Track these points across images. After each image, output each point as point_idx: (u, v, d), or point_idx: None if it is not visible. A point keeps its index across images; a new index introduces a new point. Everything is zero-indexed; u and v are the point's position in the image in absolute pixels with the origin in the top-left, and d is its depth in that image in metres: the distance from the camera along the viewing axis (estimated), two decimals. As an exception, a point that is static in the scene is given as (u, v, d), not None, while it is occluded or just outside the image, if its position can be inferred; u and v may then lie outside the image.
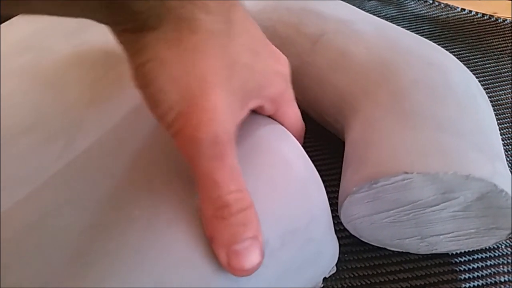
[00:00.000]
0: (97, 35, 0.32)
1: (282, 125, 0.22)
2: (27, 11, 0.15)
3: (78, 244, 0.20)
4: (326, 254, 0.22)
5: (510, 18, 0.45)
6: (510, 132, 0.33)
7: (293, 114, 0.23)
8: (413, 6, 0.48)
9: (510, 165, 0.30)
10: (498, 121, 0.33)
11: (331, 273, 0.23)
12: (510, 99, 0.35)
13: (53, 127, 0.29)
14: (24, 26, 0.36)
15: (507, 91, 0.36)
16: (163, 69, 0.16)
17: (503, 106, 0.35)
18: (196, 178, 0.18)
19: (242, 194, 0.17)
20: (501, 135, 0.32)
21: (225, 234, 0.17)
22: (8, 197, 0.25)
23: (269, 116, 0.22)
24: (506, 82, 0.37)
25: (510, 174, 0.22)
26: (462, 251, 0.25)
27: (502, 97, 0.36)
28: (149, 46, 0.16)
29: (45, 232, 0.21)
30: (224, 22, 0.17)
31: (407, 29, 0.44)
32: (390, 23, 0.28)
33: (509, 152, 0.31)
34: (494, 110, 0.33)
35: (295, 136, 0.22)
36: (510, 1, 0.47)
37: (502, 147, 0.24)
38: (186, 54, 0.16)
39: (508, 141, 0.32)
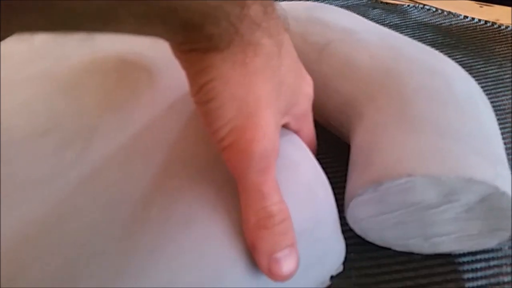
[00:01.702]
0: (112, 42, 0.33)
1: None
2: (108, 30, 0.16)
3: (94, 243, 0.20)
4: (333, 254, 0.23)
5: (513, 25, 0.45)
6: (512, 137, 0.33)
7: (309, 130, 0.24)
8: (417, 14, 0.49)
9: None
10: (500, 127, 0.34)
11: (338, 272, 0.24)
12: (512, 105, 0.36)
13: (69, 132, 0.30)
14: (40, 33, 0.37)
15: (509, 97, 0.37)
16: (226, 88, 0.18)
17: (505, 111, 0.36)
18: (241, 190, 0.19)
19: (283, 205, 0.19)
20: (503, 139, 0.33)
21: (267, 243, 0.18)
22: (26, 199, 0.26)
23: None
24: (508, 88, 0.38)
25: (511, 177, 0.23)
26: (466, 251, 0.25)
27: (504, 102, 0.36)
28: (215, 66, 0.17)
29: (62, 233, 0.22)
30: (276, 45, 0.19)
31: (411, 37, 0.45)
32: (394, 32, 0.29)
33: (511, 157, 0.32)
34: (496, 116, 0.34)
35: None
36: (512, 8, 0.48)
37: (504, 151, 0.24)
38: (249, 76, 0.18)
39: (510, 145, 0.33)
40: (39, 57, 0.34)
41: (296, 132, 0.23)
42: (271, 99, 0.19)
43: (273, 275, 0.18)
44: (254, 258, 0.19)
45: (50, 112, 0.30)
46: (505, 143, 0.33)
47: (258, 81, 0.18)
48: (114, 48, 0.32)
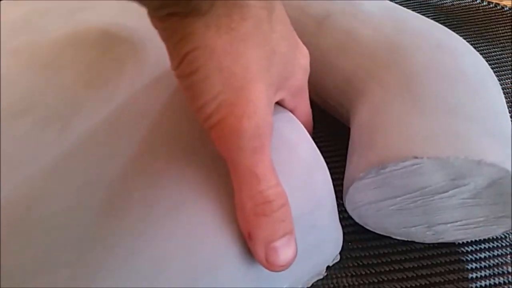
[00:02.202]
0: (94, 15, 0.31)
1: None
2: None
3: (70, 228, 0.19)
4: (330, 242, 0.22)
5: (516, 6, 0.44)
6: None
7: (305, 108, 0.22)
8: (418, -7, 0.47)
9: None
10: (505, 109, 0.32)
11: (335, 261, 0.23)
12: (516, 88, 0.35)
13: (49, 110, 0.28)
14: (19, 6, 0.35)
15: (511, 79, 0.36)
16: (211, 58, 0.15)
17: (508, 94, 0.34)
18: (233, 173, 0.17)
19: (280, 189, 0.17)
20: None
21: (265, 231, 0.16)
22: (6, 181, 0.24)
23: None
24: (511, 70, 0.36)
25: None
26: (469, 240, 0.24)
27: (508, 85, 0.35)
28: (197, 33, 0.15)
29: (44, 215, 0.20)
30: (266, 7, 0.16)
31: (412, 16, 0.43)
32: (398, 5, 0.27)
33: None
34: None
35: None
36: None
37: (512, 133, 0.23)
38: (236, 43, 0.16)
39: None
40: (17, 30, 0.31)
41: (291, 110, 0.21)
42: (261, 69, 0.16)
43: (270, 264, 0.17)
44: (249, 246, 0.17)
45: (29, 88, 0.28)
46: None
47: (247, 49, 0.16)
48: (97, 20, 0.30)
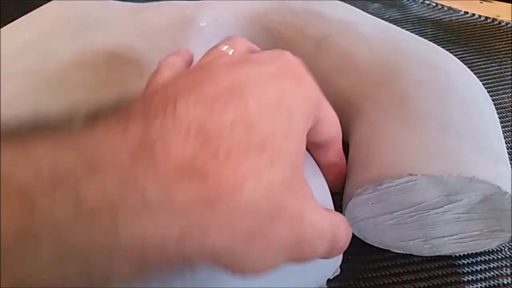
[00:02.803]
0: (100, 37, 0.32)
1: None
2: None
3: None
4: (330, 256, 0.22)
5: (513, 21, 0.45)
6: (513, 135, 0.33)
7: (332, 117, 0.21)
8: (416, 9, 0.48)
9: (513, 167, 0.30)
10: (502, 124, 0.33)
11: (335, 274, 0.23)
12: (513, 102, 0.35)
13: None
14: (27, 29, 0.36)
15: (510, 94, 0.36)
16: None
17: (506, 109, 0.35)
18: None
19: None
20: (504, 137, 0.32)
21: None
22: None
23: None
24: (509, 85, 0.37)
25: (513, 176, 0.22)
26: (465, 253, 0.25)
27: (505, 100, 0.36)
28: None
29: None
30: None
31: (411, 32, 0.44)
32: (394, 26, 0.28)
33: (512, 155, 0.31)
34: (498, 113, 0.33)
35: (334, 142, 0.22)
36: (513, 5, 0.47)
37: (505, 149, 0.24)
38: None
39: (511, 144, 0.32)
40: (26, 52, 0.33)
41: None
42: None
43: None
44: None
45: (37, 108, 0.29)
46: (506, 141, 0.32)
47: None
48: (103, 43, 0.31)
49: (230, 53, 0.20)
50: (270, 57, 0.18)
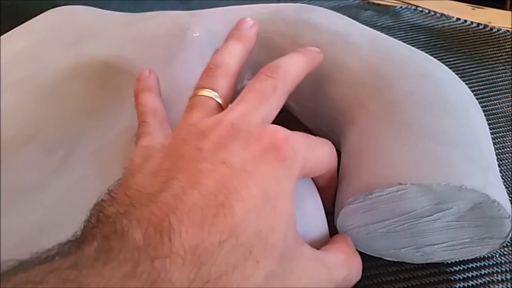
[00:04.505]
0: (94, 47, 0.33)
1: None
2: None
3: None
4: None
5: (505, 28, 0.45)
6: (505, 141, 0.33)
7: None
8: (409, 16, 0.49)
9: (504, 174, 0.31)
10: (493, 131, 0.33)
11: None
12: (505, 108, 0.36)
13: (52, 138, 0.29)
14: (22, 39, 0.36)
15: (502, 100, 0.37)
16: None
17: (497, 115, 0.35)
18: None
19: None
20: (495, 144, 0.32)
21: None
22: (8, 207, 0.25)
23: None
24: (501, 91, 0.38)
25: (502, 184, 0.22)
26: (457, 260, 0.25)
27: (497, 106, 0.36)
28: None
29: (41, 247, 0.21)
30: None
31: (403, 39, 0.45)
32: (385, 35, 0.29)
33: (504, 161, 0.32)
34: (489, 120, 0.34)
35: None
36: (505, 11, 0.48)
37: (495, 157, 0.24)
38: None
39: (503, 150, 0.32)
40: (21, 62, 0.33)
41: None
42: None
43: None
44: None
45: (32, 119, 0.29)
46: (497, 148, 0.32)
47: None
48: (97, 53, 0.32)
49: (217, 99, 0.22)
50: (256, 133, 0.19)
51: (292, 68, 0.23)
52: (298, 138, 0.20)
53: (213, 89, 0.22)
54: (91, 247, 0.14)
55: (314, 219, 0.22)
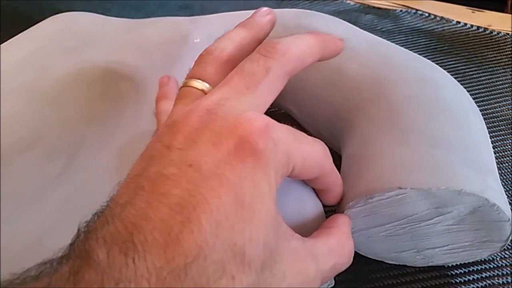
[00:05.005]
0: (95, 54, 0.33)
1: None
2: None
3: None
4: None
5: (505, 31, 0.45)
6: (505, 145, 0.33)
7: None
8: (409, 20, 0.49)
9: (505, 177, 0.31)
10: (493, 134, 0.34)
11: (330, 286, 0.23)
12: (505, 112, 0.36)
13: (54, 144, 0.30)
14: (24, 46, 0.37)
15: (502, 103, 0.37)
16: None
17: (498, 118, 0.35)
18: None
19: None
20: (496, 148, 0.33)
21: None
22: (9, 215, 0.25)
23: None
24: (501, 94, 0.38)
25: (502, 187, 0.23)
26: (458, 263, 0.25)
27: (497, 109, 0.36)
28: None
29: (42, 254, 0.21)
30: None
31: (403, 43, 0.45)
32: (384, 40, 0.29)
33: (504, 164, 0.32)
34: (489, 123, 0.34)
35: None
36: (505, 14, 0.48)
37: (494, 161, 0.24)
38: None
39: (503, 153, 0.33)
40: (23, 68, 0.33)
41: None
42: None
43: None
44: None
45: (34, 124, 0.29)
46: (497, 151, 0.32)
47: None
48: (99, 59, 0.32)
49: (206, 89, 0.19)
50: (231, 121, 0.17)
51: (296, 47, 0.19)
52: (281, 128, 0.17)
53: (200, 78, 0.20)
54: (66, 267, 0.14)
55: (315, 222, 0.22)
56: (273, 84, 0.19)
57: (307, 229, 0.20)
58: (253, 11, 0.30)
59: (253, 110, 0.17)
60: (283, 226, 0.18)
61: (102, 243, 0.14)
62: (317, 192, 0.23)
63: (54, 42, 0.36)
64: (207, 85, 0.20)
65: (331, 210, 0.24)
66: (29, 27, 0.40)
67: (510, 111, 0.36)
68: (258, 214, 0.16)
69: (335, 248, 0.19)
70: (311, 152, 0.19)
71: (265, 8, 0.23)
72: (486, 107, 0.36)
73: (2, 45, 0.37)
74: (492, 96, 0.38)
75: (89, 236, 0.14)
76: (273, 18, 0.23)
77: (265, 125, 0.17)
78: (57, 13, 0.41)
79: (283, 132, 0.17)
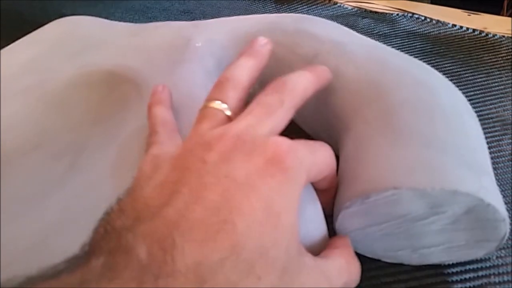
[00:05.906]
0: (98, 57, 0.33)
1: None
2: None
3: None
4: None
5: (501, 33, 0.46)
6: (501, 146, 0.34)
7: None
8: (406, 23, 0.49)
9: (501, 177, 0.31)
10: (489, 135, 0.34)
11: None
12: (501, 113, 0.36)
13: (58, 145, 0.30)
14: (28, 49, 0.37)
15: (498, 105, 0.37)
16: None
17: (493, 120, 0.36)
18: None
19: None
20: (491, 148, 0.33)
21: None
22: (14, 215, 0.26)
23: None
24: (497, 96, 0.38)
25: (497, 187, 0.23)
26: (455, 262, 0.26)
27: (492, 111, 0.37)
28: None
29: (50, 253, 0.22)
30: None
31: (400, 46, 0.46)
32: (381, 44, 0.30)
33: (500, 165, 0.32)
34: (485, 124, 0.35)
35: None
36: (500, 17, 0.48)
37: (489, 162, 0.25)
38: None
39: (499, 154, 0.33)
40: (27, 71, 0.34)
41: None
42: None
43: None
44: None
45: (39, 127, 0.30)
46: (493, 152, 0.33)
47: None
48: (102, 62, 0.33)
49: (226, 112, 0.22)
50: (260, 145, 0.19)
51: (299, 85, 0.23)
52: (302, 147, 0.20)
53: (222, 101, 0.23)
54: (98, 262, 0.15)
55: (314, 224, 0.22)
56: (286, 113, 0.22)
57: (313, 251, 0.21)
58: (253, 15, 0.31)
59: (273, 132, 0.21)
60: (300, 241, 0.19)
61: (141, 240, 0.15)
62: (318, 193, 0.23)
63: (58, 46, 0.36)
64: (225, 105, 0.23)
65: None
66: (33, 30, 0.40)
67: (506, 112, 0.36)
68: (283, 224, 0.18)
69: (344, 267, 0.21)
70: (324, 157, 0.22)
71: (261, 38, 0.26)
72: (481, 108, 0.37)
73: (6, 48, 0.38)
74: (487, 98, 0.38)
75: (124, 233, 0.15)
76: (271, 47, 0.26)
77: (290, 146, 0.19)
78: (61, 16, 0.41)
79: (304, 149, 0.20)
